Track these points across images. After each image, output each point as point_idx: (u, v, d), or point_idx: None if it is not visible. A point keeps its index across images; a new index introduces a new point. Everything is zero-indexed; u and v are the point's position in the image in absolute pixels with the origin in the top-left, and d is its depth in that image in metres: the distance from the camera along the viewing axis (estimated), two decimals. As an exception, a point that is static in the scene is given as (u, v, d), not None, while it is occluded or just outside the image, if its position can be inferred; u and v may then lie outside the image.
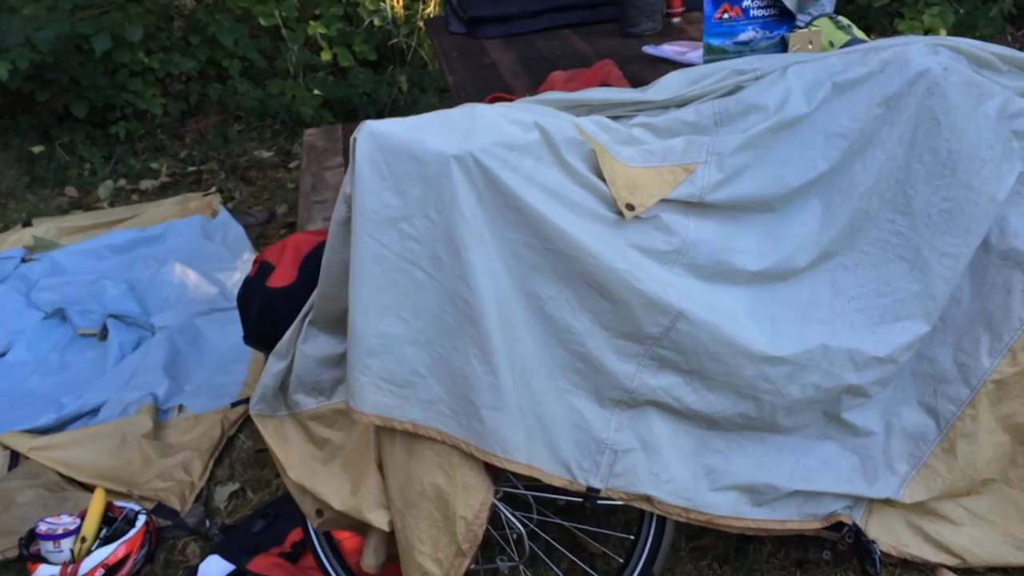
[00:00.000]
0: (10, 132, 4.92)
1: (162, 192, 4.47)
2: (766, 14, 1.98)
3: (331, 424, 1.71)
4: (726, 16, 1.97)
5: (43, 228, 3.94)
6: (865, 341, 1.67)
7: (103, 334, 3.03)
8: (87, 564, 1.99)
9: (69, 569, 1.97)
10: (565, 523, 1.85)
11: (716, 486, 1.72)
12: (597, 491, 1.65)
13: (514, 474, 1.63)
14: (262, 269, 1.84)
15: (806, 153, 1.63)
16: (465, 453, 1.56)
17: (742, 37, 1.99)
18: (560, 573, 1.88)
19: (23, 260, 3.72)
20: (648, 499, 1.66)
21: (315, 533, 1.80)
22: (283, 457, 1.72)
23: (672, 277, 1.60)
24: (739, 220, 1.65)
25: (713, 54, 2.01)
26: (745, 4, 1.96)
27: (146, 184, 4.53)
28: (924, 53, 1.62)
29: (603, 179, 1.56)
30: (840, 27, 2.72)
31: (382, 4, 4.96)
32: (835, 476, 1.76)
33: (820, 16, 2.86)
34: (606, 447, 1.64)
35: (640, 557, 1.75)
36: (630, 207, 1.57)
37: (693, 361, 1.61)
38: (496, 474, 1.63)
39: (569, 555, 1.86)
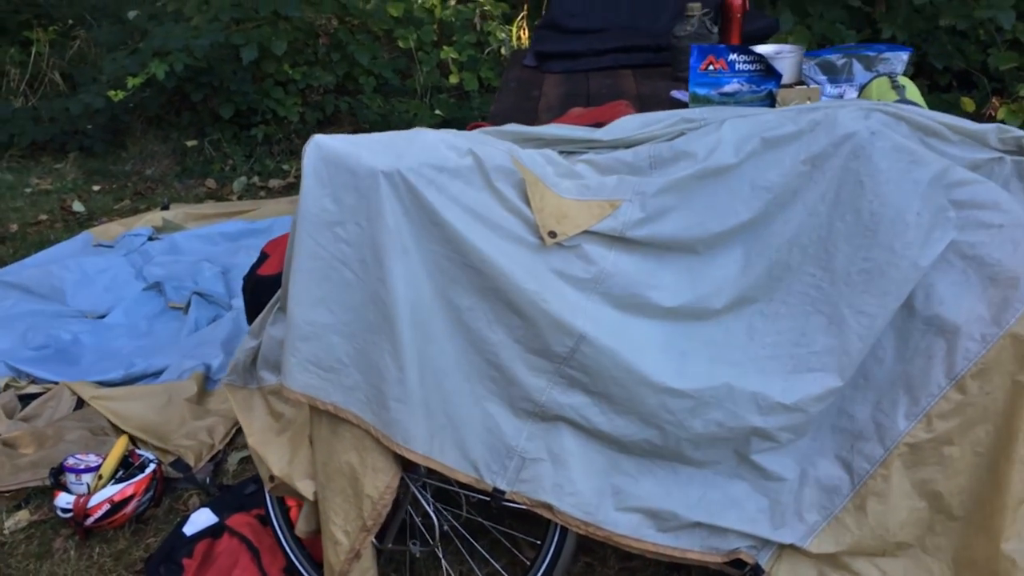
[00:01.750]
0: (172, 127, 5.51)
1: (286, 191, 4.89)
2: (752, 69, 2.07)
3: (286, 400, 1.93)
4: (711, 68, 2.07)
5: (174, 212, 4.42)
6: (773, 387, 1.73)
7: (187, 308, 3.40)
8: (97, 497, 2.30)
9: (82, 499, 2.29)
10: (485, 521, 2.00)
11: (621, 506, 1.81)
12: (502, 492, 1.78)
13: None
14: (260, 258, 2.09)
15: (730, 202, 1.72)
16: (375, 438, 1.74)
17: (727, 89, 2.09)
18: (473, 565, 2.02)
19: (150, 238, 4.19)
20: (549, 507, 1.79)
21: (269, 496, 2.02)
22: (246, 425, 1.96)
23: (587, 303, 1.72)
24: (662, 258, 1.76)
25: (698, 102, 2.11)
26: (731, 58, 2.05)
27: (274, 183, 4.97)
28: (854, 117, 1.68)
29: (531, 206, 1.71)
30: (895, 87, 2.75)
31: (506, 34, 5.22)
32: (740, 515, 1.81)
33: (882, 75, 2.90)
34: (515, 453, 1.78)
35: (543, 562, 1.87)
36: (552, 234, 1.71)
37: (599, 384, 1.73)
38: (417, 465, 1.80)
39: (482, 551, 1.99)
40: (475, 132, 1.79)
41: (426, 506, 1.87)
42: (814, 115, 1.71)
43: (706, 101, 2.10)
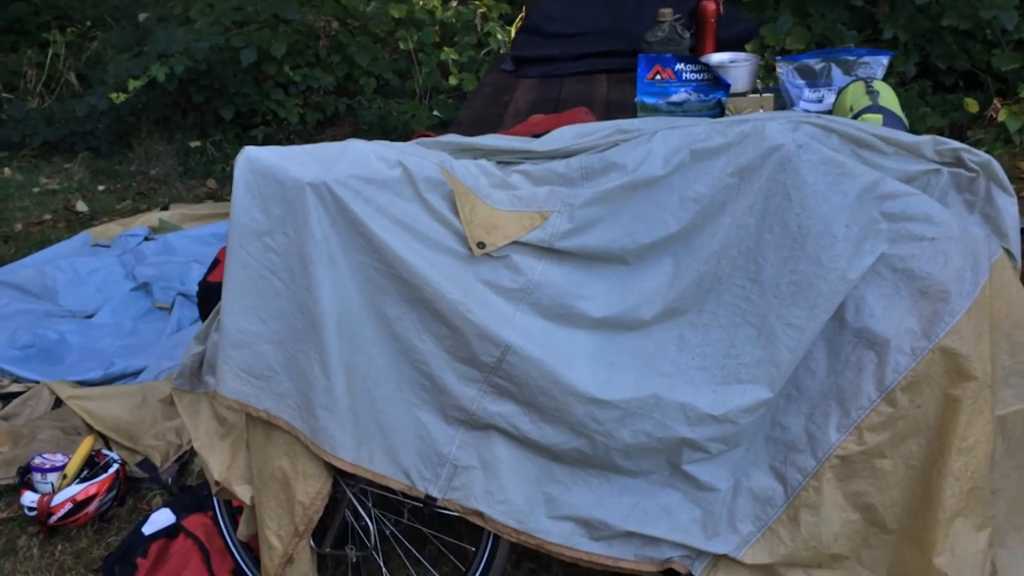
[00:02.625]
0: (177, 128, 5.58)
1: (286, 192, 4.93)
2: (699, 78, 2.06)
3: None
4: (658, 77, 2.07)
5: (171, 213, 4.48)
6: (702, 398, 1.73)
7: (172, 309, 3.45)
8: (60, 496, 2.34)
9: (46, 498, 2.33)
10: (424, 528, 2.01)
11: (554, 514, 1.82)
12: (435, 499, 1.80)
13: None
14: (212, 264, 2.13)
15: (659, 213, 1.72)
16: (305, 444, 1.76)
17: (674, 98, 2.08)
18: (413, 571, 2.04)
19: (146, 238, 4.25)
20: (481, 515, 1.80)
21: (216, 500, 2.05)
22: (192, 428, 1.99)
23: (515, 313, 1.73)
24: (592, 269, 1.77)
25: (646, 112, 2.11)
26: (678, 67, 2.05)
27: (274, 183, 5.01)
28: (781, 129, 1.68)
29: (459, 217, 1.73)
30: (869, 92, 2.73)
31: (505, 35, 5.23)
32: (672, 524, 1.81)
33: (858, 80, 2.88)
34: (447, 461, 1.79)
35: (477, 568, 1.88)
36: (481, 245, 1.72)
37: (527, 394, 1.74)
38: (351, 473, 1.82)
39: (419, 556, 2.01)
40: (409, 144, 1.81)
41: (362, 511, 1.89)
42: (743, 127, 1.70)
43: (654, 110, 2.10)
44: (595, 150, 1.79)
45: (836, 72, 3.10)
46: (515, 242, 1.74)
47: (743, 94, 2.15)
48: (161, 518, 2.29)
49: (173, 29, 4.81)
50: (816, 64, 3.11)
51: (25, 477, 2.42)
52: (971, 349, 1.65)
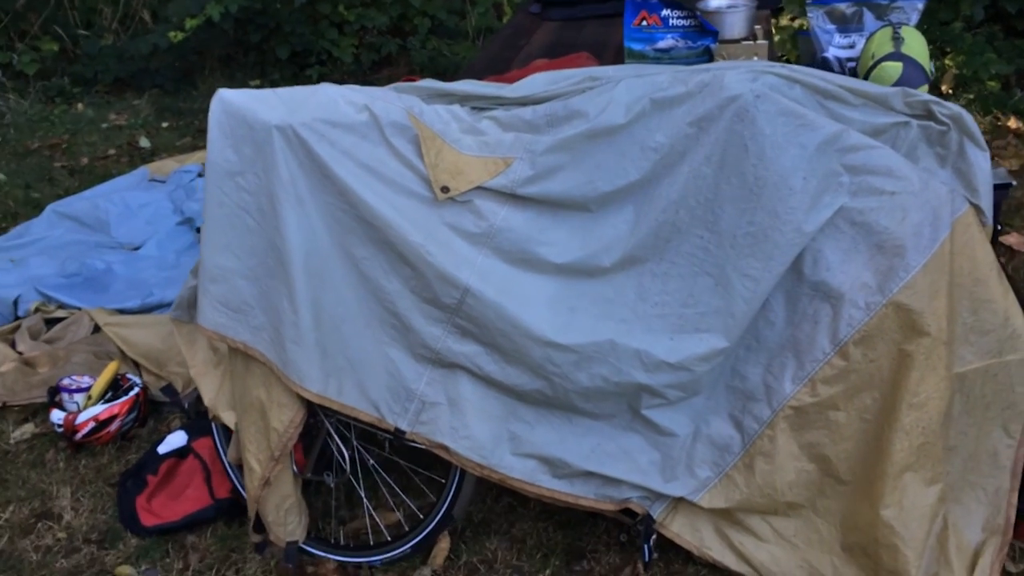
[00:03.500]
0: (238, 66, 5.72)
1: (338, 131, 5.03)
2: (686, 24, 2.05)
3: (221, 336, 2.07)
4: (644, 23, 2.06)
5: (225, 150, 4.62)
6: (658, 346, 1.76)
7: (211, 244, 3.59)
8: (84, 415, 2.51)
9: (71, 416, 2.51)
10: (400, 460, 2.11)
11: (517, 451, 1.89)
12: (403, 432, 1.88)
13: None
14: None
15: (620, 162, 1.75)
16: (278, 375, 1.86)
17: (661, 45, 2.08)
18: (389, 499, 2.15)
19: (199, 175, 4.41)
20: (446, 448, 1.88)
21: (214, 424, 2.18)
22: (188, 356, 2.11)
23: (478, 257, 1.79)
24: (556, 215, 1.80)
25: (633, 58, 2.11)
26: (664, 13, 2.04)
27: (327, 122, 5.11)
28: (740, 80, 1.67)
29: (424, 161, 1.78)
30: (894, 38, 2.68)
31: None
32: (630, 466, 1.86)
33: (886, 26, 2.81)
34: (415, 396, 1.87)
35: (445, 499, 1.97)
36: (445, 189, 1.77)
37: (488, 335, 1.80)
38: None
39: (394, 485, 2.11)
40: (380, 88, 1.86)
41: (340, 442, 1.99)
42: (703, 77, 1.70)
43: (641, 57, 2.10)
44: (563, 97, 1.81)
45: (868, 17, 3.01)
46: (479, 187, 1.78)
47: (736, 41, 2.13)
48: (176, 439, 2.44)
49: (230, -32, 4.92)
50: (847, 8, 3.02)
51: (55, 397, 2.60)
52: (925, 305, 1.65)
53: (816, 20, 3.04)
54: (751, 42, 2.12)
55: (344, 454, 1.99)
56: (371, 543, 2.09)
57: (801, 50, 3.36)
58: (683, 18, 2.04)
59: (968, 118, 1.71)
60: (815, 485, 1.82)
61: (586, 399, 1.83)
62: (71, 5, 6.76)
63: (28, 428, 2.68)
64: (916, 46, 2.68)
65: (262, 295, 1.84)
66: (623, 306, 1.79)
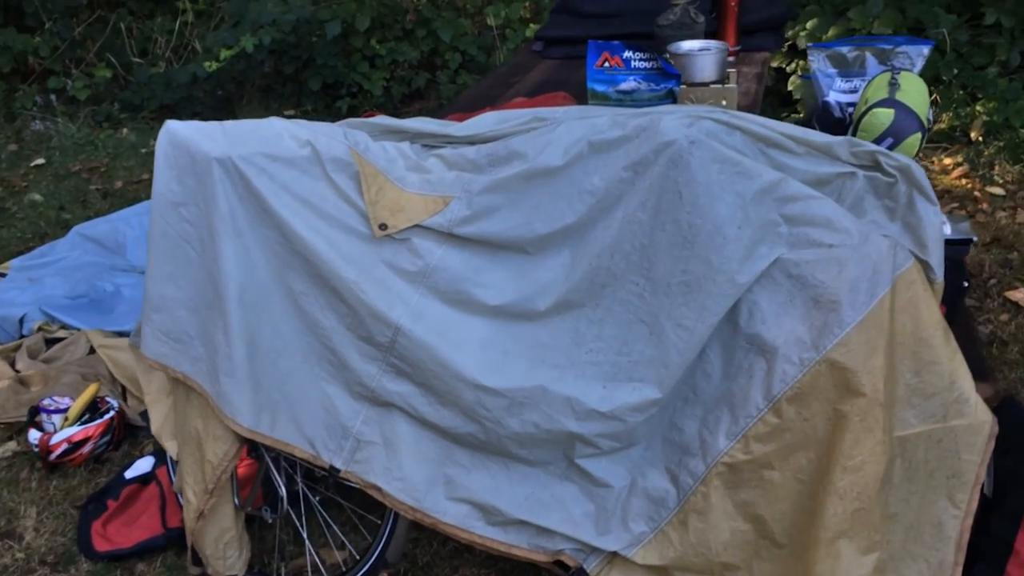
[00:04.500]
0: (274, 97, 5.84)
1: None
2: (648, 67, 2.02)
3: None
4: (607, 64, 2.03)
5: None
6: (590, 394, 1.72)
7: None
8: (58, 436, 2.55)
9: (46, 437, 2.55)
10: (341, 500, 2.09)
11: (452, 496, 1.85)
12: (338, 470, 1.87)
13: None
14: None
15: (557, 204, 1.72)
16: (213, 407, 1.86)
17: (623, 86, 2.05)
18: (329, 539, 2.12)
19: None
20: (379, 489, 1.85)
21: (167, 453, 2.18)
22: (144, 383, 2.13)
23: (414, 296, 1.77)
24: (494, 257, 1.78)
25: (596, 99, 2.08)
26: (626, 55, 2.01)
27: (355, 154, 5.18)
28: (676, 124, 1.63)
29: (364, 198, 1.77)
30: (890, 83, 2.62)
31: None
32: (564, 517, 1.81)
33: (885, 72, 2.76)
34: (351, 434, 1.85)
35: (379, 542, 1.94)
36: (383, 226, 1.77)
37: (421, 375, 1.77)
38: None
39: (336, 527, 2.09)
40: (330, 124, 1.86)
41: (276, 477, 1.98)
42: (641, 121, 1.67)
43: (604, 98, 2.07)
44: (507, 137, 1.79)
45: (871, 61, 2.95)
46: (418, 225, 1.77)
47: (704, 84, 2.09)
48: (143, 464, 2.46)
49: (265, 1, 5.03)
50: (849, 52, 2.97)
51: (35, 417, 2.65)
52: (860, 364, 1.58)
53: (817, 63, 2.99)
54: (719, 86, 2.07)
55: (282, 491, 1.98)
56: (312, 581, 2.08)
57: (804, 93, 3.30)
58: (645, 60, 2.01)
59: (917, 170, 1.64)
60: (751, 546, 1.74)
61: (520, 445, 1.79)
62: (129, 34, 6.99)
63: (10, 446, 2.73)
64: (913, 93, 2.61)
65: (201, 326, 1.85)
66: (558, 351, 1.75)
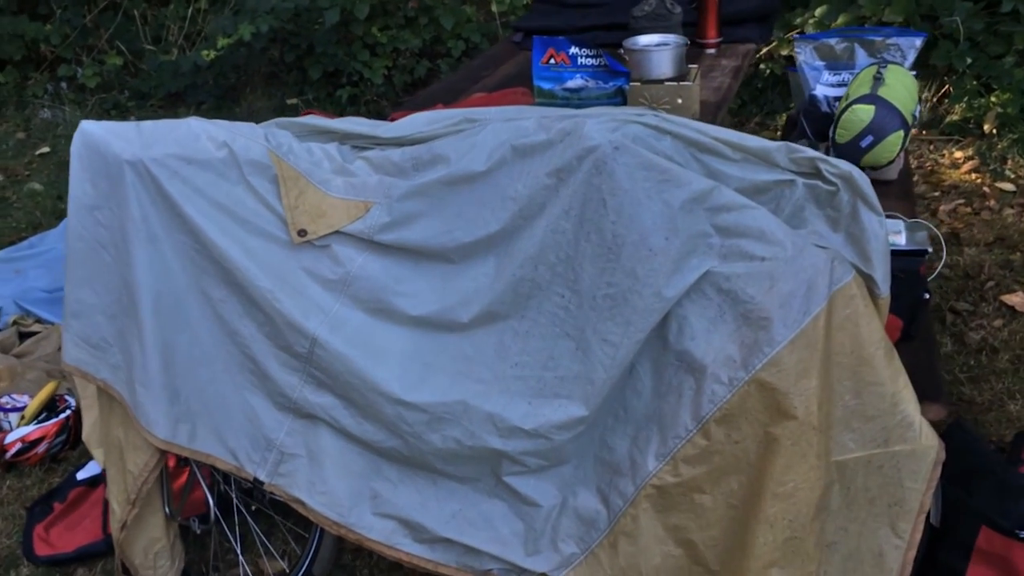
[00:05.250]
0: (279, 85, 5.79)
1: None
2: (595, 64, 1.92)
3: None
4: (552, 61, 1.94)
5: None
6: (514, 410, 1.64)
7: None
8: (13, 435, 2.52)
9: (1, 436, 2.52)
10: (272, 512, 2.02)
11: (378, 511, 1.78)
12: (262, 483, 1.80)
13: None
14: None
15: (480, 211, 1.63)
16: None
17: (570, 84, 1.95)
18: (264, 554, 2.06)
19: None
20: (303, 504, 1.79)
21: (105, 456, 2.14)
22: (80, 389, 2.07)
23: (334, 305, 1.70)
24: (417, 265, 1.70)
25: (543, 97, 1.99)
26: (572, 51, 1.91)
27: (355, 143, 5.11)
28: (600, 129, 1.54)
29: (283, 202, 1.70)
30: (875, 78, 2.50)
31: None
32: (492, 536, 1.74)
33: (872, 65, 2.63)
34: (275, 446, 1.79)
35: (307, 555, 1.88)
36: (302, 232, 1.69)
37: (341, 387, 1.70)
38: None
39: (264, 539, 2.03)
40: (250, 125, 1.79)
41: (204, 486, 1.92)
42: (566, 124, 1.58)
43: (551, 96, 1.97)
44: (434, 140, 1.71)
45: (860, 54, 2.83)
46: (339, 231, 1.69)
47: (659, 81, 1.98)
48: (96, 465, 2.42)
49: (262, -11, 4.98)
50: (837, 44, 2.85)
51: (-8, 415, 2.62)
52: (791, 385, 1.48)
53: (804, 55, 2.87)
54: (674, 84, 1.96)
55: (210, 502, 1.92)
56: (243, 593, 2.02)
57: (792, 86, 3.17)
58: (592, 57, 1.91)
59: (860, 178, 1.53)
60: (683, 572, 1.65)
61: (444, 461, 1.71)
62: (143, 21, 6.98)
63: (-29, 443, 2.70)
64: (899, 88, 2.48)
65: (119, 334, 1.79)
66: (482, 365, 1.67)
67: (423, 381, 1.67)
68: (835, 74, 2.82)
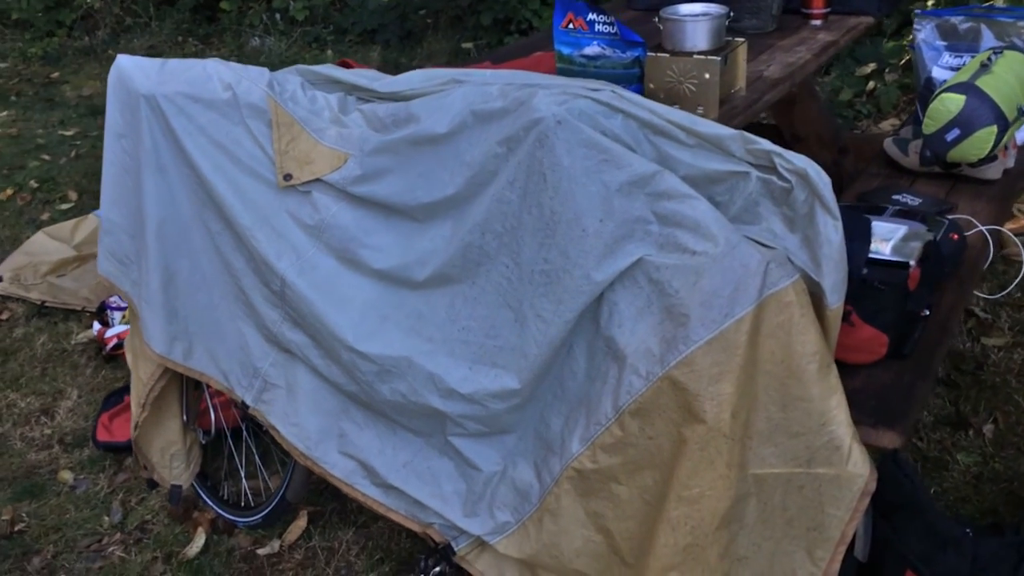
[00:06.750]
0: (460, 28, 5.90)
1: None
2: (611, 31, 1.85)
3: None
4: (571, 26, 1.89)
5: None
6: (454, 373, 1.66)
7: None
8: (111, 331, 2.82)
9: (101, 331, 2.82)
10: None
11: (343, 450, 1.87)
12: (247, 406, 1.93)
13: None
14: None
15: (440, 174, 1.65)
16: (147, 327, 1.98)
17: (588, 51, 1.89)
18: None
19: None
20: (277, 431, 1.90)
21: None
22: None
23: (310, 249, 1.78)
24: (388, 220, 1.74)
25: (563, 63, 1.94)
26: (590, 17, 1.85)
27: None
28: (548, 101, 1.50)
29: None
30: (982, 65, 2.32)
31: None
32: (434, 491, 1.78)
33: (991, 49, 2.42)
34: (260, 375, 1.91)
35: (284, 481, 2.00)
36: (288, 177, 1.78)
37: (309, 328, 1.79)
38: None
39: (259, 461, 2.16)
40: (259, 69, 1.87)
41: (209, 403, 2.08)
42: (521, 93, 1.55)
43: (570, 62, 1.92)
44: (415, 99, 1.73)
45: (987, 35, 2.56)
46: (320, 179, 1.76)
47: (687, 54, 1.87)
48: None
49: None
50: (961, 24, 2.59)
51: (102, 313, 2.93)
52: (703, 388, 1.41)
53: (923, 33, 2.62)
54: (702, 57, 1.86)
55: (212, 416, 2.08)
56: (242, 504, 2.18)
57: (915, 64, 2.89)
58: (608, 24, 1.84)
59: (818, 177, 1.40)
60: (603, 559, 1.63)
61: (396, 412, 1.77)
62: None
63: (89, 334, 3.04)
64: (1007, 79, 2.24)
65: (137, 253, 1.96)
66: (432, 324, 1.70)
67: (376, 333, 1.72)
68: (956, 56, 2.55)
